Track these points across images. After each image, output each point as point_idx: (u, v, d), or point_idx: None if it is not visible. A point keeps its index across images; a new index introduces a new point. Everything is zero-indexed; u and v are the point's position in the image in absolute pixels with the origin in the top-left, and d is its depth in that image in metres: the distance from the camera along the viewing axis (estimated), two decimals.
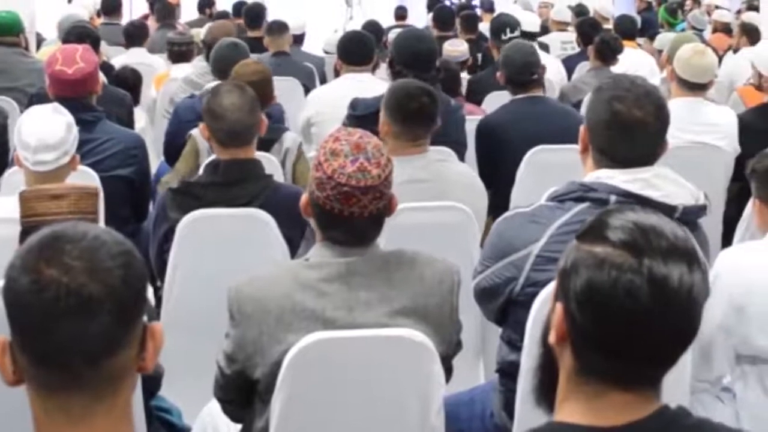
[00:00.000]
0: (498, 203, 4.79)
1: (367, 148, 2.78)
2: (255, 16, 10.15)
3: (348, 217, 2.75)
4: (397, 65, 5.39)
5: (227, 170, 4.15)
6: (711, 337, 3.32)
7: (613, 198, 2.92)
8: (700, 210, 3.02)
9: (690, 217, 3.00)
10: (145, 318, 1.78)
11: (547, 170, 4.85)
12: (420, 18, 14.62)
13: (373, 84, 5.67)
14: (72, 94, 4.88)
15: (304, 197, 2.86)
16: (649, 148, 3.02)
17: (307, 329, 2.72)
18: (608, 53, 7.74)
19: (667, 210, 2.94)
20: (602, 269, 1.78)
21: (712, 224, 4.96)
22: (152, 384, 3.20)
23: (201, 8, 13.00)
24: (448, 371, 2.93)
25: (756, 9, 12.33)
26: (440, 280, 2.86)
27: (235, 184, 4.12)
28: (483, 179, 4.59)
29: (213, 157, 4.57)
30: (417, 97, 4.24)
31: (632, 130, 2.98)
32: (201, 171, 4.43)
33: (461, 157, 5.22)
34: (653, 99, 3.02)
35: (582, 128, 3.10)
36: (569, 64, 9.26)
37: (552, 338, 1.88)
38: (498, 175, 5.31)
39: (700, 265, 1.80)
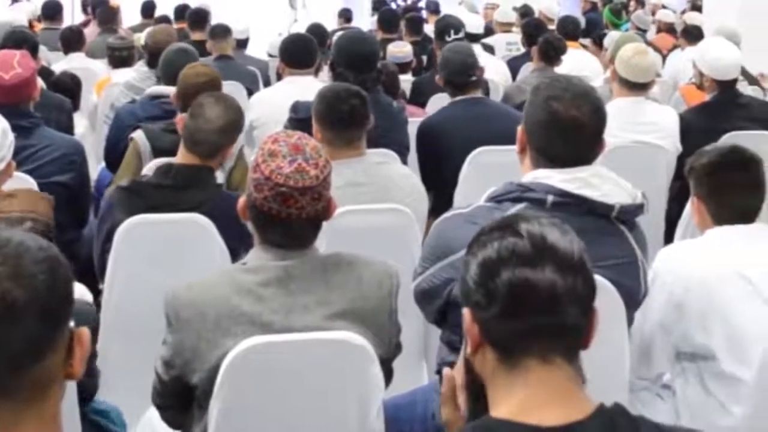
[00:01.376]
0: (440, 205, 4.78)
1: (306, 149, 2.77)
2: (199, 19, 10.08)
3: (286, 218, 2.73)
4: (338, 67, 5.37)
5: (178, 174, 4.11)
6: (651, 335, 3.34)
7: (550, 198, 2.92)
8: (638, 209, 3.03)
9: (627, 216, 3.01)
10: (72, 323, 1.77)
11: (490, 171, 4.83)
12: (365, 20, 14.62)
13: (315, 87, 5.58)
14: (9, 100, 4.81)
15: (241, 200, 2.84)
16: (586, 148, 3.02)
17: (245, 334, 2.70)
18: (552, 54, 7.75)
19: (604, 209, 2.95)
20: (488, 244, 1.93)
21: (654, 223, 5.00)
22: (89, 387, 3.15)
23: (145, 12, 12.90)
24: (388, 374, 2.92)
25: (699, 9, 12.44)
26: (379, 283, 2.85)
27: (184, 189, 4.08)
28: (425, 181, 4.57)
29: (157, 160, 4.53)
30: (347, 100, 4.20)
31: (569, 129, 2.98)
32: (152, 172, 4.36)
33: (404, 160, 5.21)
34: (590, 99, 3.02)
35: (519, 128, 3.09)
36: (514, 65, 9.28)
37: (469, 349, 1.91)
38: (439, 177, 5.30)
39: (586, 274, 1.92)
